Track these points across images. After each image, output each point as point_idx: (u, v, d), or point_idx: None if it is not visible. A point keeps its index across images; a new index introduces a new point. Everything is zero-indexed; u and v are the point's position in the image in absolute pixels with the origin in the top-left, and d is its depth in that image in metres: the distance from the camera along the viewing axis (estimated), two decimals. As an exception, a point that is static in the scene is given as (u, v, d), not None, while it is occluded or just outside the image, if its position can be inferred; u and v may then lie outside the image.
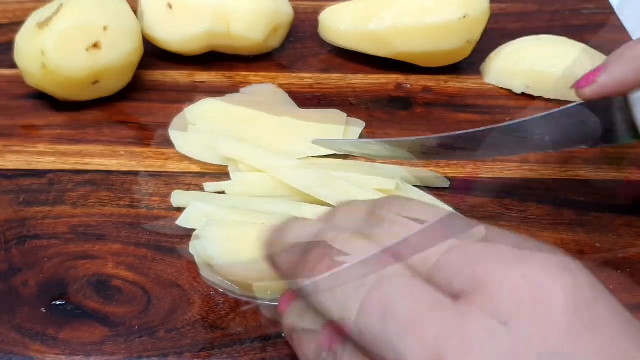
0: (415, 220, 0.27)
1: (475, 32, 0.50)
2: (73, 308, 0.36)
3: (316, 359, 0.27)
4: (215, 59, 0.53)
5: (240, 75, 0.52)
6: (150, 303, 0.36)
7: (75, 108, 0.48)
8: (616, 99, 0.36)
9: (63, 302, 0.36)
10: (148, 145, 0.46)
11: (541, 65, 0.50)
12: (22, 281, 0.37)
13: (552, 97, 0.50)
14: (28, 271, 0.38)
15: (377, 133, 0.47)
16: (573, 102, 0.38)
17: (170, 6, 0.50)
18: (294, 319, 0.29)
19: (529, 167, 0.45)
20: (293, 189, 0.41)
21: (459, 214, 0.28)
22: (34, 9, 0.48)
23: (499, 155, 0.44)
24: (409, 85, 0.52)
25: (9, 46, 0.48)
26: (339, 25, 0.52)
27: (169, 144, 0.46)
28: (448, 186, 0.43)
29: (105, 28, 0.46)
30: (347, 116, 0.48)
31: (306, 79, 0.52)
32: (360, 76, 0.53)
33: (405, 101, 0.51)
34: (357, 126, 0.47)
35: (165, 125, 0.47)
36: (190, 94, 0.50)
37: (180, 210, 0.41)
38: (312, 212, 0.38)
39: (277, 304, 0.31)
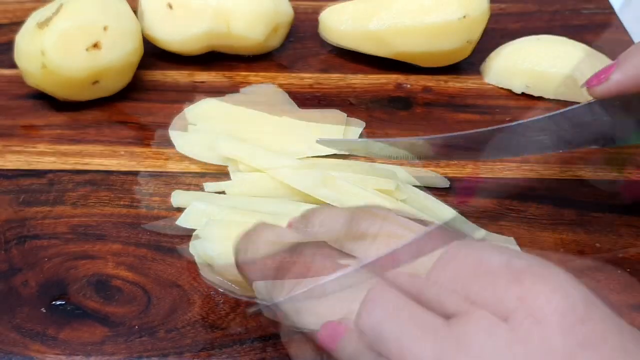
0: (399, 235, 0.27)
1: (475, 32, 0.50)
2: (73, 308, 0.36)
3: None
4: (215, 59, 0.53)
5: (240, 75, 0.52)
6: (150, 303, 0.36)
7: (75, 108, 0.48)
8: (627, 97, 0.36)
9: (63, 302, 0.36)
10: (148, 145, 0.46)
11: (541, 65, 0.50)
12: (22, 281, 0.37)
13: (552, 97, 0.50)
14: (28, 271, 0.38)
15: (377, 133, 0.47)
16: (573, 102, 0.38)
17: (170, 6, 0.50)
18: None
19: (529, 167, 0.45)
20: (293, 189, 0.41)
21: (445, 226, 0.28)
22: (34, 9, 0.48)
23: (505, 157, 0.44)
24: (409, 85, 0.52)
25: (9, 46, 0.48)
26: (339, 25, 0.52)
27: (169, 144, 0.46)
28: (448, 186, 0.43)
29: (105, 28, 0.46)
30: (347, 116, 0.48)
31: (306, 79, 0.52)
32: (360, 76, 0.53)
33: (405, 101, 0.51)
34: (357, 126, 0.47)
35: (165, 125, 0.47)
36: (190, 94, 0.50)
37: (180, 210, 0.41)
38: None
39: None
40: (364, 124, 0.48)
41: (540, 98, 0.50)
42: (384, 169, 0.43)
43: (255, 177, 0.42)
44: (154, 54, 0.53)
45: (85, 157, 0.45)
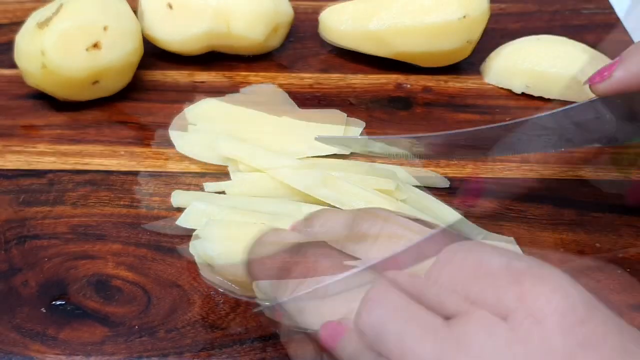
0: (400, 236, 0.27)
1: (475, 32, 0.50)
2: (73, 308, 0.36)
3: None
4: (215, 59, 0.53)
5: (240, 75, 0.52)
6: (150, 303, 0.36)
7: (75, 108, 0.48)
8: (630, 94, 0.36)
9: (63, 302, 0.36)
10: (148, 145, 0.46)
11: (541, 65, 0.50)
12: (22, 281, 0.37)
13: (552, 97, 0.50)
14: (28, 271, 0.38)
15: (377, 133, 0.47)
16: (573, 102, 0.38)
17: (170, 6, 0.50)
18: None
19: (529, 167, 0.45)
20: (293, 189, 0.41)
21: (446, 227, 0.28)
22: (34, 9, 0.48)
23: (506, 155, 0.44)
24: (409, 85, 0.52)
25: (9, 46, 0.48)
26: (339, 25, 0.52)
27: (169, 144, 0.45)
28: (448, 186, 0.43)
29: (105, 28, 0.46)
30: (347, 116, 0.48)
31: (306, 79, 0.52)
32: (360, 76, 0.53)
33: (405, 101, 0.51)
34: (357, 126, 0.47)
35: (165, 125, 0.47)
36: (190, 94, 0.50)
37: (180, 210, 0.40)
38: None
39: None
40: (364, 124, 0.48)
41: (540, 98, 0.50)
42: (384, 169, 0.43)
43: (255, 177, 0.42)
44: (154, 54, 0.53)
45: (85, 157, 0.45)
